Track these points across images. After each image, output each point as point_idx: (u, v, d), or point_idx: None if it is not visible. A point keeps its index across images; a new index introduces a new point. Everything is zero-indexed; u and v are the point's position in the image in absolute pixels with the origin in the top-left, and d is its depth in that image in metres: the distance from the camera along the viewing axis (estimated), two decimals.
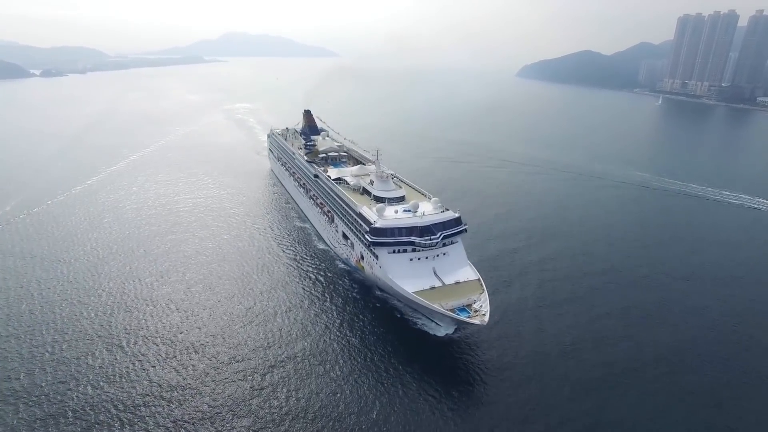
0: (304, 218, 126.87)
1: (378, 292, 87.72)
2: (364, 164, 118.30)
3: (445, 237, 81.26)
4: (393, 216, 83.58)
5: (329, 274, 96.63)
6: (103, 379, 65.02)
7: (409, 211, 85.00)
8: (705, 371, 69.77)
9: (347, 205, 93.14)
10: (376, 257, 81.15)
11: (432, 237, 79.86)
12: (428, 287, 75.16)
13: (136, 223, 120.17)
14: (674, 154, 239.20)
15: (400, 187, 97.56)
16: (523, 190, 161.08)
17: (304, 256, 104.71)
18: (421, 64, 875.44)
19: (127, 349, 71.16)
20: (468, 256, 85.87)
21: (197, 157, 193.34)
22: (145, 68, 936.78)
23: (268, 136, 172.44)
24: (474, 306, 70.13)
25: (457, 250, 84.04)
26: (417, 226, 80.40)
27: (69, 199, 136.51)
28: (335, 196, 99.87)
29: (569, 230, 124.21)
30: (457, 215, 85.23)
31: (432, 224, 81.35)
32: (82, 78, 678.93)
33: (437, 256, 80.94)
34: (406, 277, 76.86)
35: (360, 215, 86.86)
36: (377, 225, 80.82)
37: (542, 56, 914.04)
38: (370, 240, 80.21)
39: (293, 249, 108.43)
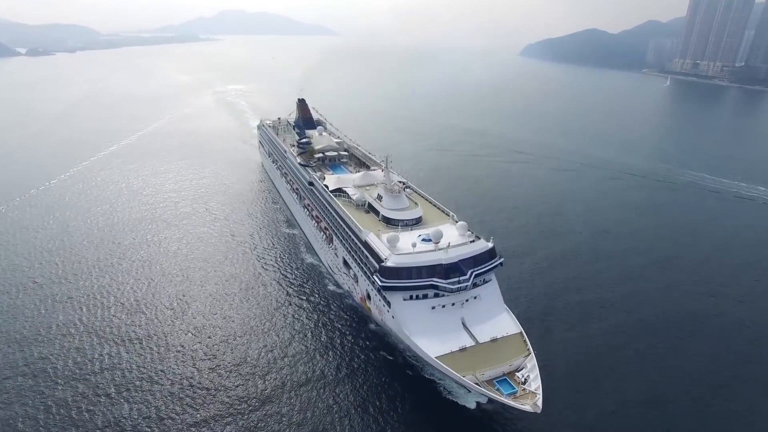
0: (293, 223, 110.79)
1: (373, 326, 72.24)
2: (369, 167, 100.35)
3: (476, 275, 63.58)
4: (409, 249, 64.65)
5: (316, 298, 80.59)
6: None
7: (430, 240, 66.12)
8: None
9: (350, 228, 74.96)
10: (388, 304, 63.92)
11: (461, 278, 61.59)
12: (457, 348, 57.51)
13: (102, 231, 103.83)
14: (696, 143, 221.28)
15: (416, 204, 78.16)
16: (537, 187, 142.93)
17: (288, 273, 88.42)
18: (421, 44, 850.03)
19: (72, 390, 57.45)
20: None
21: (179, 148, 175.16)
22: (137, 47, 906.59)
23: (258, 127, 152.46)
24: (519, 375, 53.45)
25: (491, 291, 66.24)
26: (441, 264, 62.18)
27: (21, 205, 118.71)
28: (335, 214, 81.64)
29: (584, 232, 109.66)
30: (490, 245, 66.64)
31: (460, 260, 62.96)
32: (70, 57, 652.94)
33: (467, 301, 63.18)
34: (428, 333, 59.52)
35: (366, 245, 68.61)
36: (389, 263, 62.37)
37: (546, 34, 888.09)
38: (380, 283, 62.24)
39: (275, 263, 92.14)
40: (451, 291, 60.99)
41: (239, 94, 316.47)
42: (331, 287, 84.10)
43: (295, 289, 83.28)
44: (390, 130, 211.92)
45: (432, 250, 64.19)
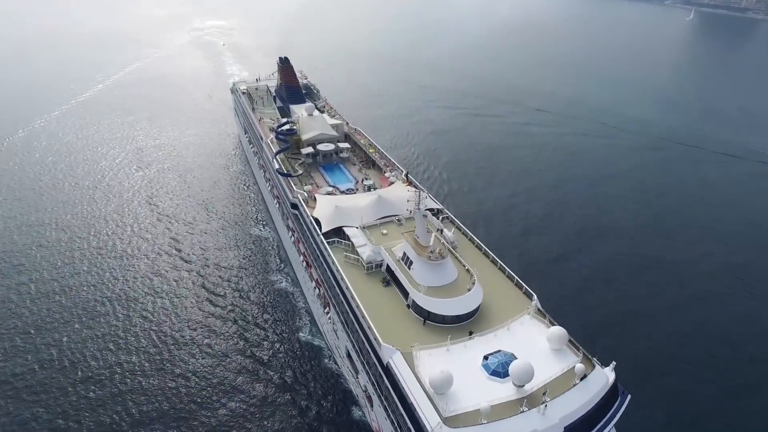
0: (266, 221, 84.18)
1: (359, 415, 49.04)
2: (381, 171, 70.40)
3: None
4: (472, 404, 33.43)
5: (281, 352, 55.59)
6: None
7: (505, 374, 35.80)
8: None
9: (359, 324, 44.19)
10: None
11: None
12: None
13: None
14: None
15: (471, 276, 43.86)
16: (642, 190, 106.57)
17: (245, 307, 62.62)
18: None
19: None
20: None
21: (141, 108, 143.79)
22: None
23: (232, 91, 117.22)
24: None
25: None
26: None
27: None
28: (333, 280, 50.33)
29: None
30: (611, 378, 37.01)
31: (567, 426, 33.40)
32: None
33: None
34: None
35: (390, 376, 38.03)
36: None
37: None
38: None
39: (230, 287, 66.13)
40: None
41: (221, 32, 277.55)
42: (305, 335, 58.60)
43: (252, 333, 57.97)
44: (402, 87, 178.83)
45: (513, 401, 33.99)
